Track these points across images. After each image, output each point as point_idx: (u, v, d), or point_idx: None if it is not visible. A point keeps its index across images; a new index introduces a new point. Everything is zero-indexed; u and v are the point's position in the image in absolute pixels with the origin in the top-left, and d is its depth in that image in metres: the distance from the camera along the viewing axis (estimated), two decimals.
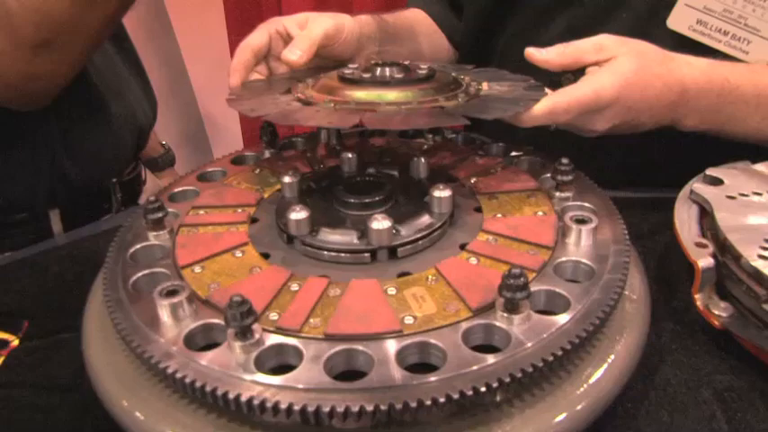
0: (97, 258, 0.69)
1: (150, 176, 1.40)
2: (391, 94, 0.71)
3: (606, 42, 0.79)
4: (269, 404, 0.47)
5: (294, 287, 0.59)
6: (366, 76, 0.75)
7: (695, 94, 0.81)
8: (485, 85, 0.79)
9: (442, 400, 0.47)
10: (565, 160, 0.71)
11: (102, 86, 1.14)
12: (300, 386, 0.48)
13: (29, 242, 0.99)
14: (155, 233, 0.70)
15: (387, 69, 0.75)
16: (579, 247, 0.63)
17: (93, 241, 0.95)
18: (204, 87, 2.52)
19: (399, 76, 0.75)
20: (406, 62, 0.78)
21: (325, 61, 0.92)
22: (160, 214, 0.69)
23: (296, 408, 0.47)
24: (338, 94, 0.73)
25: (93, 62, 1.12)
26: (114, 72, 1.22)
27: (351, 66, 0.80)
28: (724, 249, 0.67)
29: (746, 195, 0.75)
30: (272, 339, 0.53)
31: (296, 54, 0.85)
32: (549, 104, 0.72)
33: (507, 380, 0.48)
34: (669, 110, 0.82)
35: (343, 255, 0.64)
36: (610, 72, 0.76)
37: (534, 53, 0.79)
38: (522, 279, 0.52)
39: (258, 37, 0.90)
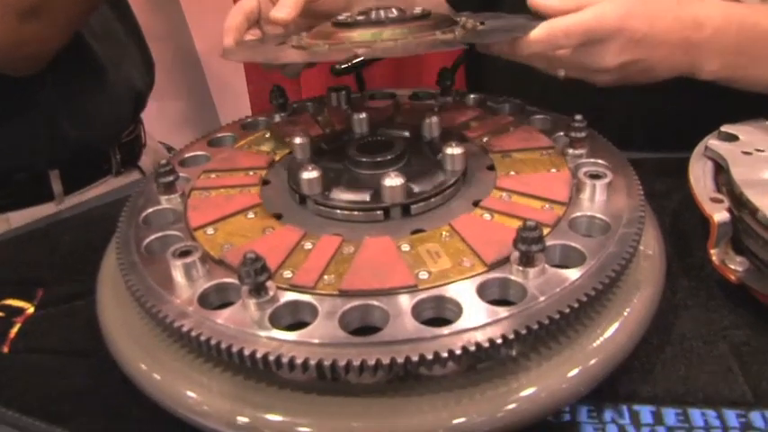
0: (109, 226, 0.69)
1: (151, 138, 1.40)
2: (387, 32, 0.71)
3: None
4: (284, 359, 0.47)
5: (308, 246, 0.59)
6: (361, 18, 0.74)
7: (712, 32, 0.76)
8: (483, 23, 0.77)
9: (458, 352, 0.46)
10: (578, 117, 0.70)
11: (100, 51, 1.14)
12: (316, 341, 0.48)
13: (29, 203, 0.99)
14: (166, 197, 0.70)
15: (381, 11, 0.74)
16: (594, 202, 0.63)
17: (104, 210, 0.95)
18: (210, 54, 2.50)
19: (394, 15, 0.73)
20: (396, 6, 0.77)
21: (317, 21, 0.87)
22: (171, 178, 0.69)
23: (312, 362, 0.47)
24: (333, 37, 0.73)
25: (90, 27, 1.12)
26: (112, 37, 1.21)
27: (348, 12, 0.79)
28: (740, 204, 0.67)
29: (762, 151, 0.74)
30: (287, 296, 0.53)
31: (284, 11, 0.82)
32: (547, 27, 0.70)
33: (523, 332, 0.48)
34: (684, 51, 0.77)
35: (356, 213, 0.63)
36: (613, 1, 0.73)
37: (539, 3, 0.75)
38: (537, 232, 0.51)
39: (249, 2, 0.88)
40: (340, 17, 0.76)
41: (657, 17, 0.74)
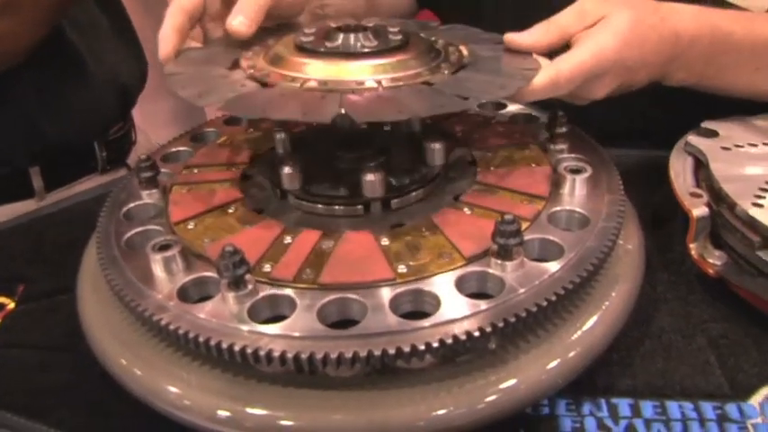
0: (93, 222, 0.69)
1: (143, 136, 1.39)
2: (365, 69, 0.62)
3: (587, 6, 0.72)
4: (262, 353, 0.47)
5: (287, 240, 0.59)
6: (330, 45, 0.64)
7: (687, 43, 0.75)
8: (464, 50, 0.71)
9: (435, 344, 0.47)
10: (560, 112, 0.71)
11: (82, 45, 1.13)
12: (294, 334, 0.48)
13: (10, 199, 0.98)
14: (147, 192, 0.69)
15: (351, 36, 0.65)
16: (573, 196, 0.63)
17: (88, 205, 0.95)
18: None
19: (369, 43, 0.64)
20: (370, 23, 0.68)
21: (267, 22, 0.78)
22: (151, 173, 0.69)
23: (289, 355, 0.47)
24: (298, 68, 0.63)
25: (72, 19, 1.11)
26: (96, 31, 1.20)
27: (306, 30, 0.68)
28: (719, 198, 0.67)
29: (741, 147, 0.75)
30: (266, 290, 0.53)
31: (243, 23, 0.72)
32: (552, 75, 0.66)
33: (500, 325, 0.48)
34: (662, 64, 0.76)
35: (336, 207, 0.63)
36: (607, 32, 0.70)
37: (517, 39, 0.71)
38: (514, 225, 0.52)
39: None
40: (303, 38, 0.66)
41: (646, 39, 0.71)
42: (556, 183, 0.64)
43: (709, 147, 0.74)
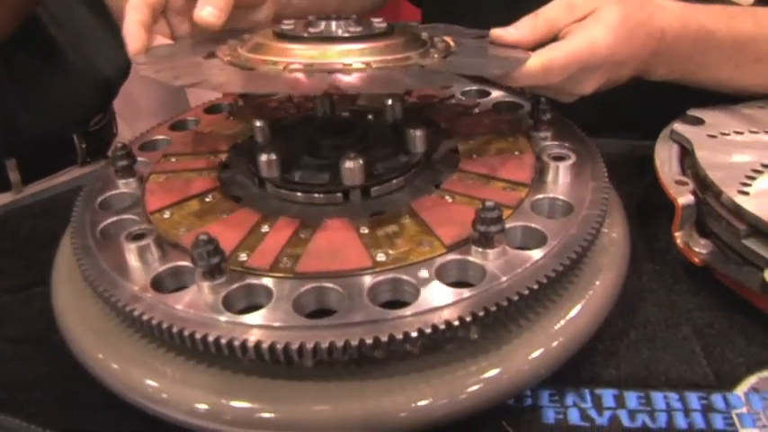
0: (69, 214, 0.67)
1: (126, 128, 1.37)
2: (351, 52, 0.60)
3: (576, 0, 0.70)
4: (236, 343, 0.46)
5: (265, 228, 0.57)
6: (313, 30, 0.62)
7: (672, 40, 0.73)
8: (449, 40, 0.70)
9: (414, 334, 0.46)
10: (543, 99, 0.70)
11: (59, 36, 1.11)
12: (269, 324, 0.47)
13: None
14: (124, 181, 0.68)
15: (334, 23, 0.63)
16: (557, 184, 0.62)
17: (66, 196, 0.93)
18: None
19: (353, 29, 0.62)
20: (351, 16, 0.65)
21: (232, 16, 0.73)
22: (127, 162, 0.67)
23: (264, 346, 0.46)
24: (281, 53, 0.61)
25: (48, 11, 1.09)
26: (74, 22, 1.19)
27: (285, 21, 0.65)
28: (704, 186, 0.66)
29: (727, 134, 0.74)
30: (241, 279, 0.52)
31: (212, 14, 0.68)
32: (546, 60, 0.64)
33: (481, 314, 0.47)
34: (646, 61, 0.75)
35: (315, 195, 0.62)
36: (600, 26, 0.68)
37: (504, 34, 0.68)
38: (495, 212, 0.51)
39: None
40: (283, 26, 0.64)
41: (634, 34, 0.70)
42: (539, 170, 0.63)
43: (694, 134, 0.74)
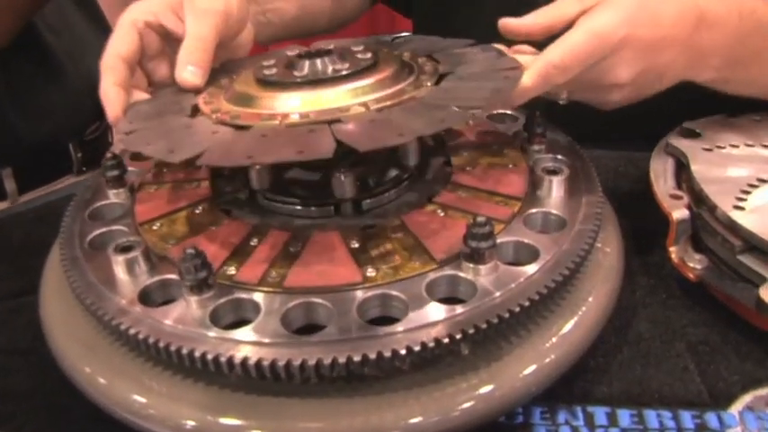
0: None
1: None
2: (344, 94, 0.58)
3: None
4: (223, 359, 0.46)
5: (254, 242, 0.57)
6: (298, 74, 0.60)
7: (714, 19, 0.67)
8: (432, 60, 0.68)
9: (402, 351, 0.45)
10: (537, 112, 0.69)
11: (57, 45, 1.11)
12: (256, 340, 0.47)
13: None
14: (114, 191, 0.68)
15: (318, 62, 0.61)
16: (550, 198, 0.61)
17: (59, 205, 0.92)
18: None
19: (340, 66, 0.61)
20: (329, 46, 0.65)
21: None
22: (118, 171, 0.67)
23: (251, 362, 0.45)
24: (271, 104, 0.59)
25: (45, 19, 1.09)
26: (72, 31, 1.19)
27: (264, 63, 0.64)
28: (699, 201, 0.66)
29: (723, 147, 0.74)
30: (229, 294, 0.51)
31: (194, 73, 0.67)
32: (541, 69, 0.62)
33: (471, 331, 0.47)
34: (689, 48, 0.68)
35: (305, 208, 0.62)
36: (607, 9, 0.65)
37: (511, 23, 0.67)
38: (487, 228, 0.50)
39: (126, 40, 0.70)
40: (265, 71, 0.62)
41: (661, 15, 0.66)
42: (533, 184, 0.63)
43: (690, 147, 0.73)
